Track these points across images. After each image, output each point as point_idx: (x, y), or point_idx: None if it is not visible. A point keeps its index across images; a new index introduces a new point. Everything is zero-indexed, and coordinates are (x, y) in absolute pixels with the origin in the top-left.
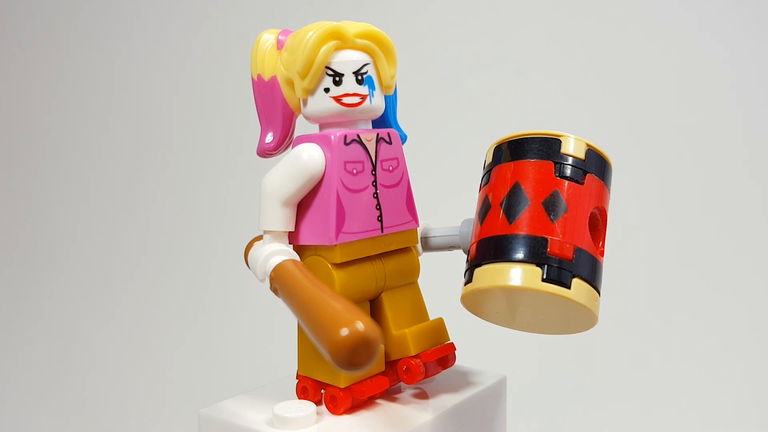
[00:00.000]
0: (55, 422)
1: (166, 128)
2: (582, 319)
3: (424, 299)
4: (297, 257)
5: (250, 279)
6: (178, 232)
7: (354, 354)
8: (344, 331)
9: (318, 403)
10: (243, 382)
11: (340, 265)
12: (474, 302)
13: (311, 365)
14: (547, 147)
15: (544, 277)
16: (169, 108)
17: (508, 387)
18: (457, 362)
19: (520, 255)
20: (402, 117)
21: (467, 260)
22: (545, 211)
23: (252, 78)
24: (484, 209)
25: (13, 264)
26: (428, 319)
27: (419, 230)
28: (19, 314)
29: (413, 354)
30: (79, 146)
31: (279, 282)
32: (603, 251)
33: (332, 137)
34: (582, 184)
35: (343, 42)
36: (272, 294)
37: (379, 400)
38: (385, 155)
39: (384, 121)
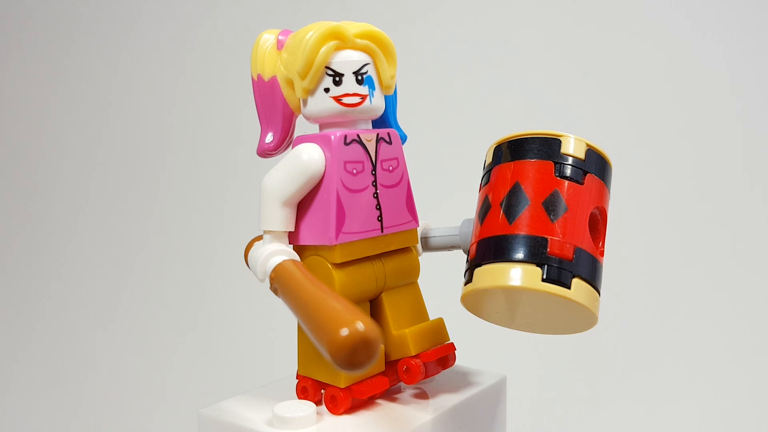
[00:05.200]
0: (55, 422)
1: (166, 128)
2: (582, 319)
3: (424, 299)
4: (297, 257)
5: (250, 279)
6: (178, 232)
7: (354, 354)
8: (344, 331)
9: (318, 403)
10: (243, 382)
11: (340, 265)
12: (474, 302)
13: (311, 365)
14: (547, 147)
15: (544, 277)
16: (169, 108)
17: (508, 387)
18: (457, 362)
19: (520, 255)
20: (402, 117)
21: (467, 260)
22: (545, 211)
23: (252, 78)
24: (484, 209)
25: (13, 264)
26: (428, 319)
27: (419, 230)
28: (19, 314)
29: (413, 354)
30: (80, 146)
31: (279, 282)
32: (603, 251)
33: (332, 137)
34: (582, 184)
35: (343, 42)
36: (272, 294)
37: (379, 400)
38: (385, 155)
39: (384, 121)
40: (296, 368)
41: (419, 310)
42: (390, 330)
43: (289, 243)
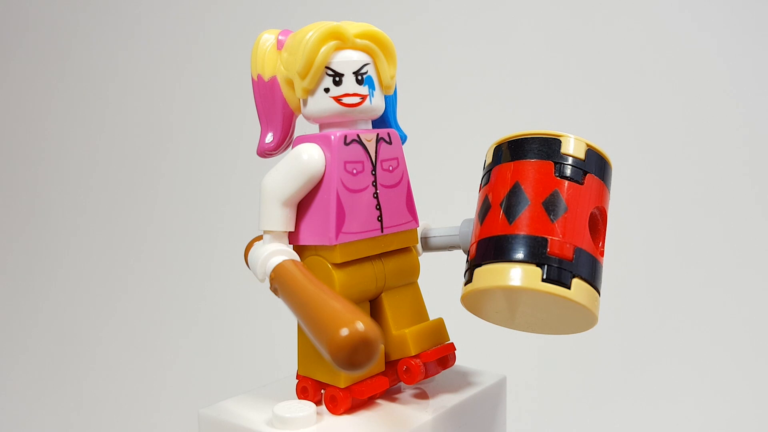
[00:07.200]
0: (55, 422)
1: (167, 128)
2: (582, 319)
3: (424, 299)
4: (297, 257)
5: (250, 279)
6: (179, 232)
7: (354, 354)
8: (344, 331)
9: (318, 403)
10: (243, 382)
11: (340, 265)
12: (474, 302)
13: (311, 365)
14: (547, 147)
15: (544, 277)
16: (169, 108)
17: (508, 387)
18: (457, 362)
19: (520, 255)
20: (402, 117)
21: (467, 260)
22: (545, 211)
23: (252, 78)
24: (484, 209)
25: (13, 264)
26: (428, 319)
27: (419, 230)
28: (19, 314)
29: (413, 354)
30: (80, 146)
31: (279, 282)
32: (603, 251)
33: (332, 137)
34: (582, 184)
35: (343, 42)
36: (272, 294)
37: (379, 400)
38: (385, 155)
39: (384, 121)
40: (296, 368)
41: (419, 310)
42: (390, 330)
43: (289, 243)
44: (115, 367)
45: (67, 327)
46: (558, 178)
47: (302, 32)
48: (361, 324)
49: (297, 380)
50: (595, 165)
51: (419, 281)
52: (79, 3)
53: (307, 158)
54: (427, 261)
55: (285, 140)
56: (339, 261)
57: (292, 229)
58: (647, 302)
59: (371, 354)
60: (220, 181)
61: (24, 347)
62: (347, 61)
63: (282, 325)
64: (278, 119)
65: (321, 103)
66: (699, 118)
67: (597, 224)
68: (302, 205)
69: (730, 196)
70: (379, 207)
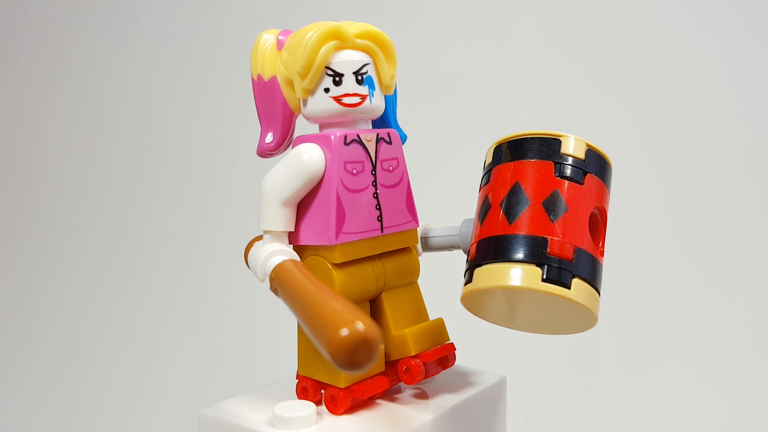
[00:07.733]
0: (55, 422)
1: (167, 128)
2: (582, 319)
3: (424, 299)
4: (297, 257)
5: (250, 279)
6: (179, 232)
7: (354, 354)
8: (344, 331)
9: (318, 403)
10: (243, 382)
11: (340, 265)
12: (474, 302)
13: (311, 365)
14: (547, 147)
15: (544, 277)
16: (169, 108)
17: (508, 387)
18: (457, 362)
19: (520, 255)
20: (402, 117)
21: (467, 260)
22: (545, 211)
23: (252, 78)
24: (484, 209)
25: (13, 264)
26: (428, 319)
27: (419, 230)
28: (19, 314)
29: (413, 354)
30: (80, 146)
31: (279, 282)
32: (603, 251)
33: (332, 137)
34: (582, 184)
35: (343, 42)
36: (272, 294)
37: (379, 400)
38: (385, 155)
39: (384, 121)
40: (296, 368)
41: (419, 310)
42: (390, 330)
43: (289, 243)
44: (115, 368)
45: (67, 327)
46: (558, 178)
47: (302, 32)
48: (361, 324)
49: (297, 380)
50: (595, 165)
51: (419, 281)
52: (79, 3)
53: (307, 158)
54: (427, 261)
55: (285, 140)
56: (339, 261)
57: (292, 229)
58: (647, 302)
59: (371, 354)
60: (220, 181)
61: (24, 347)
62: (347, 61)
63: (282, 325)
64: (278, 119)
65: (321, 103)
66: (699, 118)
67: (597, 224)
68: (302, 205)
69: (729, 196)
70: (379, 207)
